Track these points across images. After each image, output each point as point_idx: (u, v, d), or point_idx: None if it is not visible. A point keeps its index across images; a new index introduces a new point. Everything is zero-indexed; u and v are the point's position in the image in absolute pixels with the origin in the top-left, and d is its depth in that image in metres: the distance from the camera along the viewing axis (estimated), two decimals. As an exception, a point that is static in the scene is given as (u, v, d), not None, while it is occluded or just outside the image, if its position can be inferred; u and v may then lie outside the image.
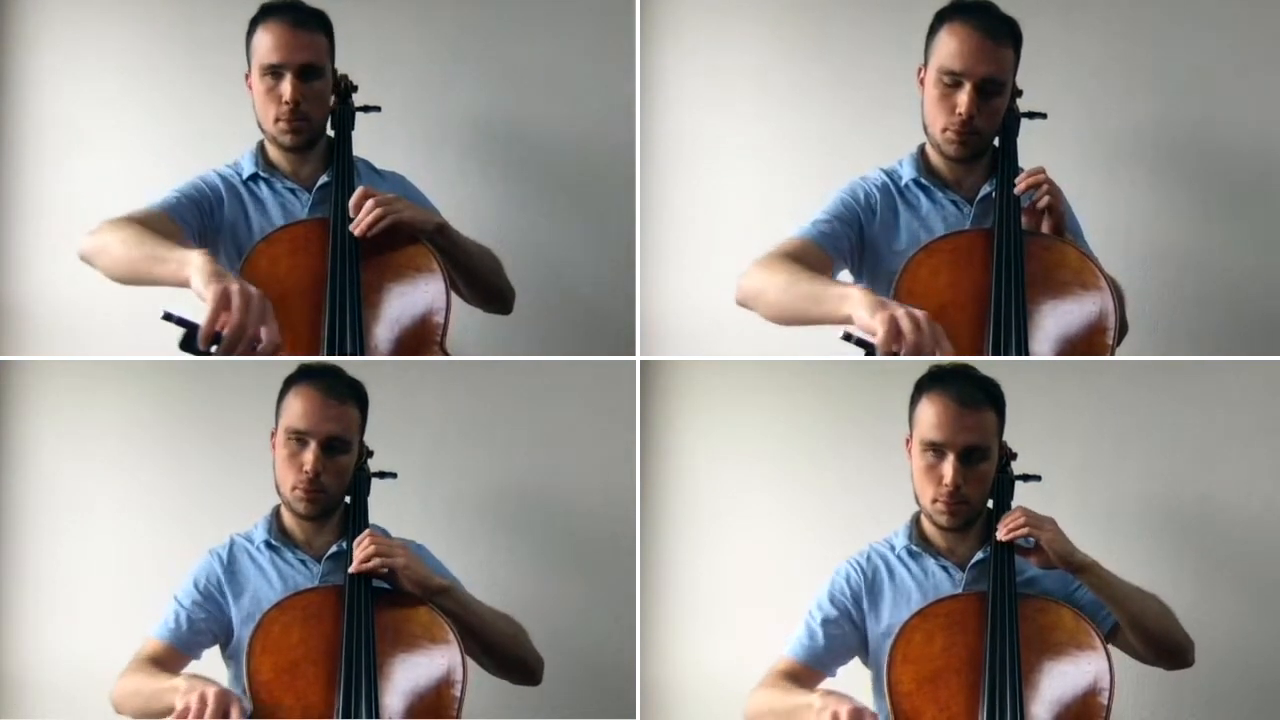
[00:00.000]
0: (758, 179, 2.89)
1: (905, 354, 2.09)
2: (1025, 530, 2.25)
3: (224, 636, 2.40)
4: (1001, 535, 2.27)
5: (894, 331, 2.08)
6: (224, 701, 2.14)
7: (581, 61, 2.91)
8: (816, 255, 2.37)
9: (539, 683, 2.45)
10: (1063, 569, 2.26)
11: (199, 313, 2.10)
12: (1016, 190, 2.34)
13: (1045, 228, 2.34)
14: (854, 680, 2.41)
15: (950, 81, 2.35)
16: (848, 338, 2.13)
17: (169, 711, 2.18)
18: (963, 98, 2.35)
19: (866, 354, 2.13)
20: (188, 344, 2.09)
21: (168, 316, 2.09)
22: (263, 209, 2.48)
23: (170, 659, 2.36)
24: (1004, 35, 2.36)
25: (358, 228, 2.37)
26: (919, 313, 2.10)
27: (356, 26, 2.70)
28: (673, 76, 2.91)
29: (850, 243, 2.42)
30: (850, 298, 2.17)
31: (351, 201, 2.39)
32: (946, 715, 2.22)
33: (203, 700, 2.13)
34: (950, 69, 2.35)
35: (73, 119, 2.89)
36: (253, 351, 2.09)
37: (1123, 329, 2.42)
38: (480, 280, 2.56)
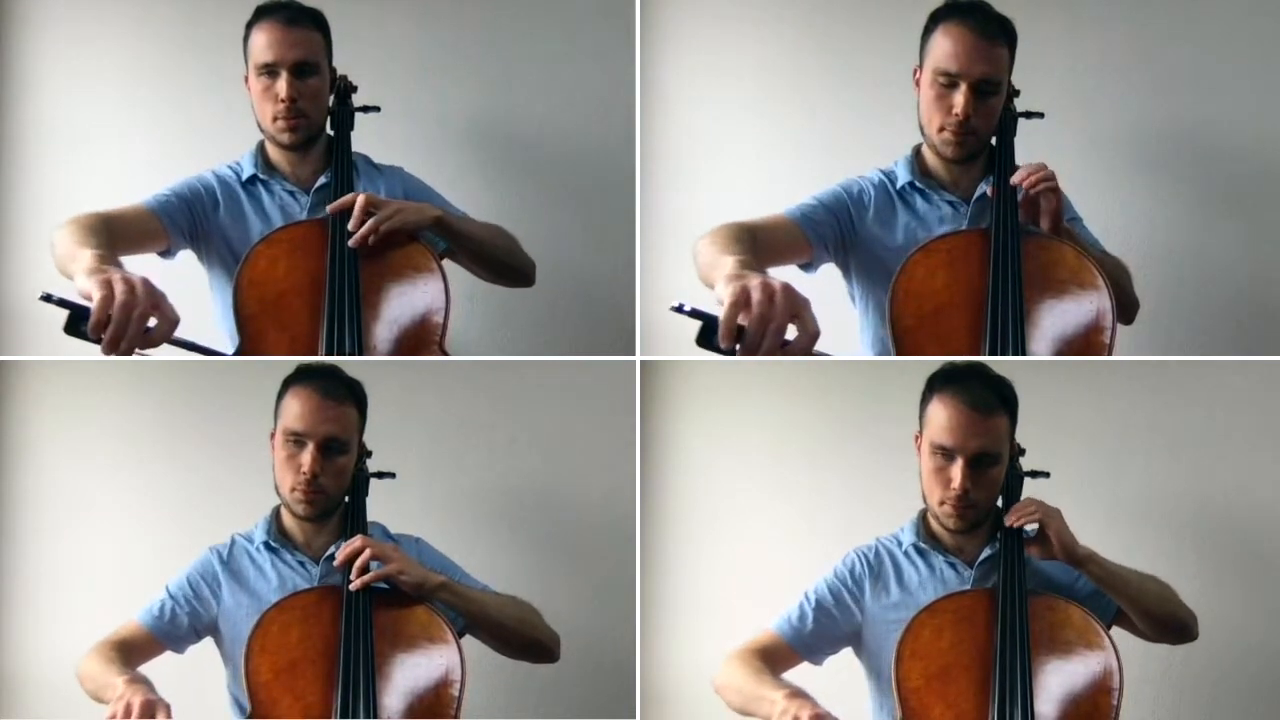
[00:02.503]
0: (758, 179, 2.89)
1: (751, 327, 1.90)
2: (1036, 516, 2.25)
3: (213, 635, 2.41)
4: (1010, 521, 2.27)
5: (742, 300, 1.90)
6: (149, 712, 2.14)
7: (581, 61, 2.91)
8: (790, 234, 2.37)
9: (558, 659, 2.45)
10: (1064, 561, 2.26)
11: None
12: (1015, 179, 2.33)
13: (1044, 223, 2.34)
14: (851, 676, 2.41)
15: (946, 82, 2.36)
16: (679, 309, 1.96)
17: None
18: (959, 98, 2.35)
19: (702, 329, 1.94)
20: (73, 328, 2.05)
21: (46, 298, 2.06)
22: (261, 211, 2.48)
23: (143, 645, 2.38)
24: (998, 35, 2.36)
25: (353, 240, 2.38)
26: (776, 283, 1.92)
27: (355, 26, 2.71)
28: (673, 76, 2.90)
29: (834, 232, 2.41)
30: (720, 267, 2.07)
31: (340, 202, 2.40)
32: (954, 712, 2.22)
33: (128, 710, 2.14)
34: (946, 70, 2.35)
35: (72, 119, 2.89)
36: (145, 336, 2.05)
37: (1133, 305, 2.44)
38: (494, 260, 2.56)
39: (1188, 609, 2.33)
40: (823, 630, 2.37)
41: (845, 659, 2.42)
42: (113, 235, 2.30)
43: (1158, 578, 2.32)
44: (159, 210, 2.43)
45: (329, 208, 2.40)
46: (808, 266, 2.44)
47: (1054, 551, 2.25)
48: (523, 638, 2.40)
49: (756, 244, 2.26)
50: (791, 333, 1.92)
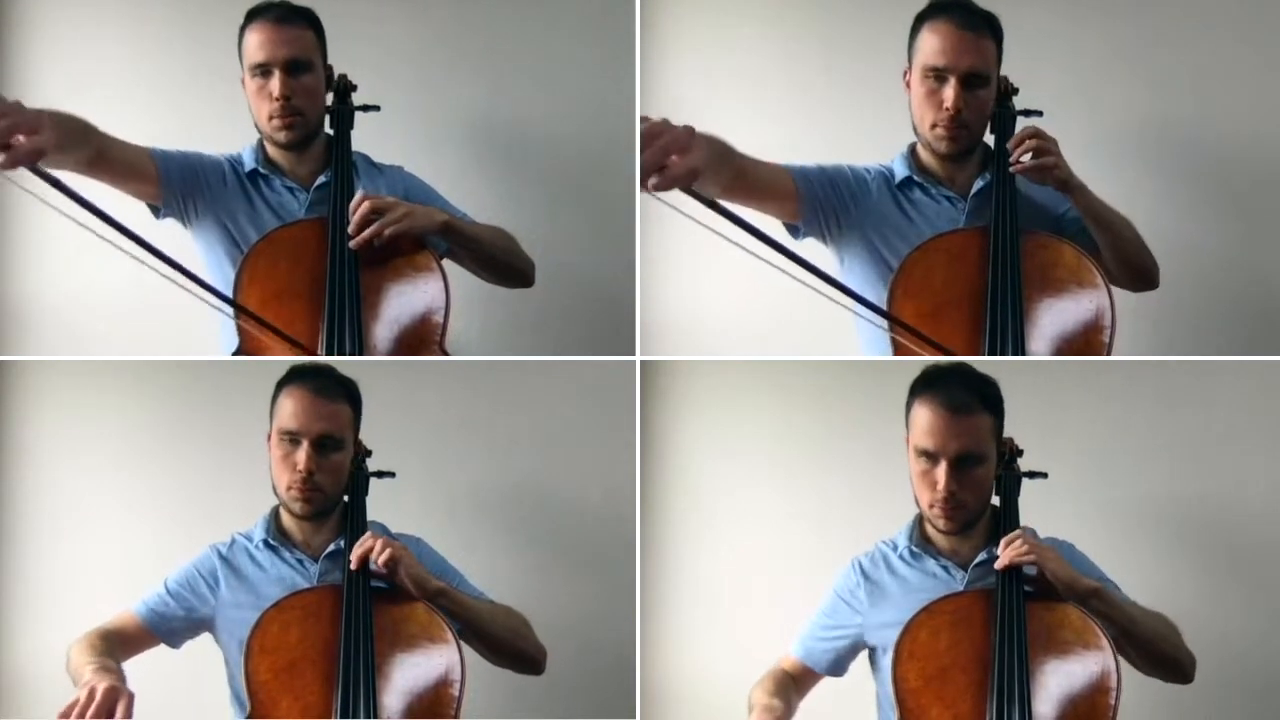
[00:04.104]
0: (757, 179, 2.89)
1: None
2: (1031, 558, 2.24)
3: (205, 631, 2.41)
4: (1002, 563, 2.25)
5: (656, 130, 2.03)
6: (110, 699, 2.10)
7: (581, 61, 2.91)
8: (776, 176, 2.39)
9: (542, 672, 2.45)
10: (1069, 596, 2.24)
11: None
12: (1012, 159, 2.36)
13: (1051, 183, 2.35)
14: (855, 678, 2.42)
15: (935, 78, 2.38)
16: None
17: None
18: (949, 92, 2.37)
19: None
20: None
21: None
22: (263, 205, 2.48)
23: (135, 636, 2.39)
24: (983, 28, 2.39)
25: (353, 243, 2.38)
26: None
27: (355, 25, 2.71)
28: (673, 76, 2.91)
29: (827, 198, 2.42)
30: None
31: (351, 207, 2.40)
32: (953, 713, 2.22)
33: (90, 696, 2.11)
34: (934, 65, 2.38)
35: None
36: (10, 151, 2.02)
37: (1153, 267, 2.45)
38: (496, 263, 2.57)
39: (1189, 653, 2.32)
40: (837, 647, 2.40)
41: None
42: (92, 143, 2.30)
43: (1164, 616, 2.31)
44: (157, 157, 2.43)
45: (350, 207, 2.39)
46: (794, 230, 2.45)
47: (1057, 591, 2.25)
48: (513, 649, 2.41)
49: (734, 160, 2.28)
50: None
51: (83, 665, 2.25)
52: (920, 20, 2.41)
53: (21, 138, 2.02)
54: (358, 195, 2.41)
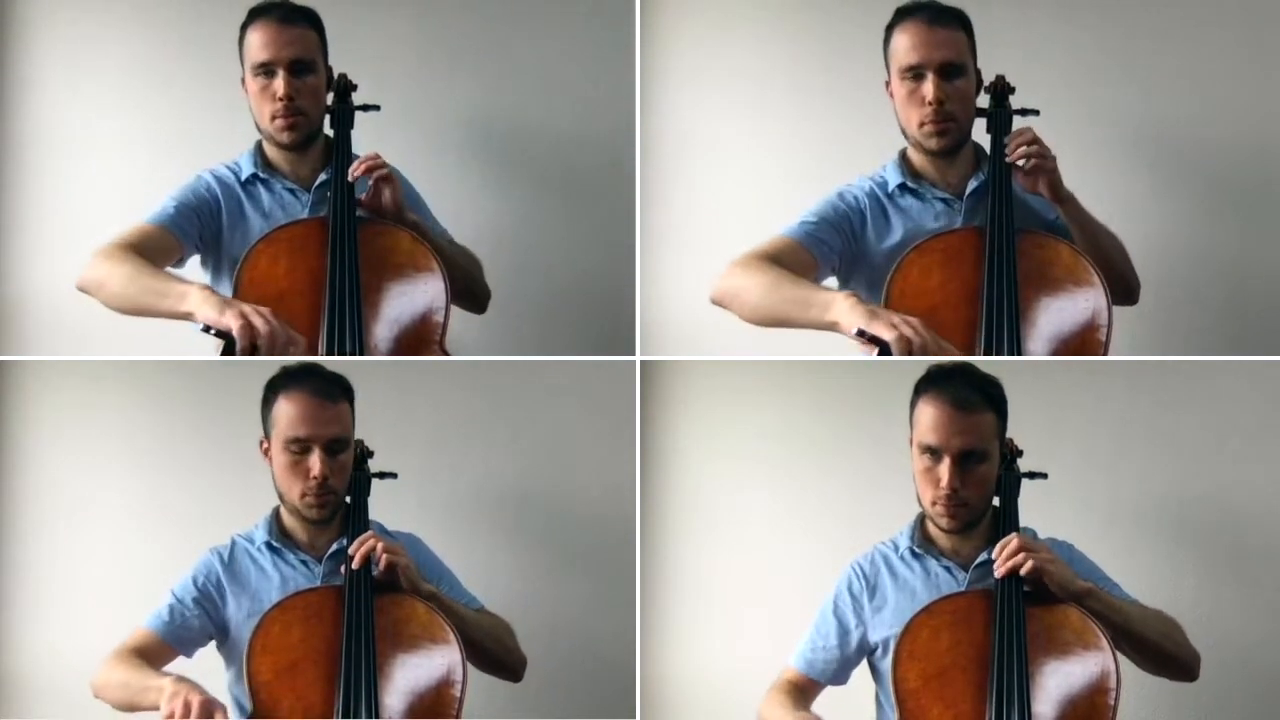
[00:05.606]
0: (757, 178, 2.89)
1: (916, 352, 2.17)
2: (1030, 562, 2.24)
3: (219, 636, 2.40)
4: (1000, 571, 2.25)
5: (904, 346, 2.16)
6: (207, 710, 2.12)
7: (581, 61, 2.91)
8: (802, 257, 2.39)
9: (520, 679, 2.46)
10: (1061, 597, 2.25)
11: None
12: (1009, 158, 2.39)
13: (1043, 190, 2.37)
14: (857, 681, 2.42)
15: (913, 77, 2.41)
16: (861, 334, 2.19)
17: (150, 709, 2.17)
18: (928, 87, 2.40)
19: (880, 353, 2.18)
20: (230, 353, 2.21)
21: (206, 329, 2.23)
22: (261, 210, 2.48)
23: (157, 651, 2.34)
24: (951, 21, 2.42)
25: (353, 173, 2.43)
26: (914, 319, 2.18)
27: (356, 26, 2.71)
28: (673, 76, 2.91)
29: (841, 246, 2.44)
30: (837, 304, 2.23)
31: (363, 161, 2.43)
32: (953, 713, 2.22)
33: (186, 707, 2.12)
34: (909, 65, 2.41)
35: (72, 119, 2.89)
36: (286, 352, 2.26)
37: (1134, 285, 2.48)
38: (456, 279, 2.54)
39: (1191, 650, 2.32)
40: (839, 656, 2.39)
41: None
42: (147, 259, 2.35)
43: (1164, 614, 2.32)
44: (170, 225, 2.43)
45: (352, 171, 2.42)
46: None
47: (1051, 592, 2.25)
48: (495, 657, 2.41)
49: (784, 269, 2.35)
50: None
51: (146, 680, 2.23)
52: (890, 28, 2.45)
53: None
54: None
